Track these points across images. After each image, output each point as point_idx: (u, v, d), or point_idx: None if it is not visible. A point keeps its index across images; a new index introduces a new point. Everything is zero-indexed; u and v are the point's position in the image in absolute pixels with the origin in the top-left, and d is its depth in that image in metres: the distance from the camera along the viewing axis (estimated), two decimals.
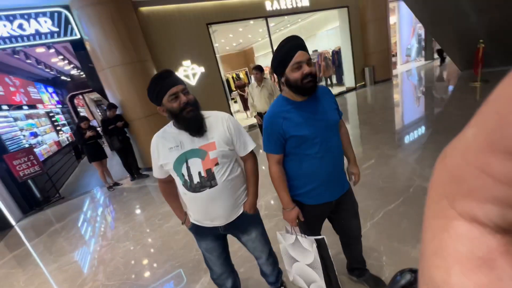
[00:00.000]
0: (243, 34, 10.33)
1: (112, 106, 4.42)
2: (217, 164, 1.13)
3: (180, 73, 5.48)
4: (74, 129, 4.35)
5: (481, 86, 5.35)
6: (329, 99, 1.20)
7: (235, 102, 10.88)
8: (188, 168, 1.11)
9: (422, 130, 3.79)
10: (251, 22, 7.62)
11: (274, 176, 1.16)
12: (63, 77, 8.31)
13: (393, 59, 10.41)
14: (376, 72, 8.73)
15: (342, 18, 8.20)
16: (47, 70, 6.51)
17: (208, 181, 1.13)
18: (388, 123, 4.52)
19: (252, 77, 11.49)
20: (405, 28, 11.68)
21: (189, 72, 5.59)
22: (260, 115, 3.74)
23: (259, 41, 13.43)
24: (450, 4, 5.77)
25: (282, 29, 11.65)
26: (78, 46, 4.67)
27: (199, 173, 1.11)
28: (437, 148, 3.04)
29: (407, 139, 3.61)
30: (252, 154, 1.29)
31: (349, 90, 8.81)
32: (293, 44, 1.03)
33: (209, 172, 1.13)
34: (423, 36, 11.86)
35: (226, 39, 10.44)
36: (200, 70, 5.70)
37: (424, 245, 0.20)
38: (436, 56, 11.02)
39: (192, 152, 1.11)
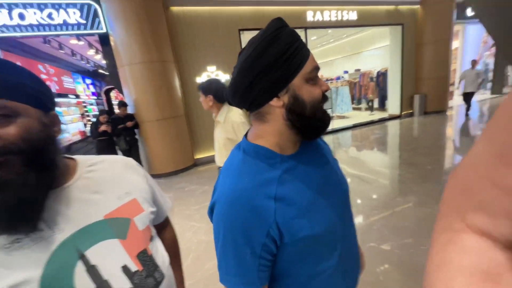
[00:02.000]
0: None
1: (122, 104, 4.18)
2: (151, 238, 0.61)
3: (203, 79, 5.12)
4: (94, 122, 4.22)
5: None
6: (323, 145, 0.65)
7: None
8: (92, 271, 0.49)
9: None
10: None
11: None
12: (101, 71, 8.65)
13: (450, 88, 8.99)
14: (428, 101, 7.50)
15: (394, 37, 7.25)
16: (83, 62, 6.70)
17: (149, 275, 0.56)
18: (440, 170, 3.52)
19: None
20: (470, 55, 10.12)
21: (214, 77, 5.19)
22: None
23: None
24: None
25: (325, 44, 10.97)
26: (105, 41, 4.57)
27: (124, 268, 0.52)
28: None
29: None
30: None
31: (392, 117, 7.70)
32: (297, 36, 0.49)
33: (145, 257, 0.56)
34: (490, 66, 10.17)
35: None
36: (225, 77, 5.28)
37: (429, 258, 0.20)
38: None
39: (93, 231, 0.51)
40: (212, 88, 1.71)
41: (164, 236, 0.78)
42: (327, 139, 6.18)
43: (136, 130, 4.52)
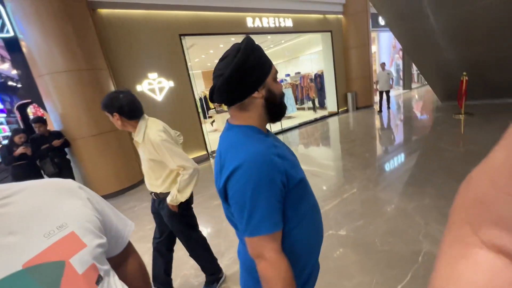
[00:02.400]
0: (224, 50, 9.91)
1: (37, 120, 3.56)
2: (99, 279, 0.47)
3: (144, 86, 4.75)
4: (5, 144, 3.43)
5: (465, 118, 5.15)
6: None
7: (213, 121, 10.22)
8: None
9: (415, 168, 3.32)
10: (232, 38, 7.21)
11: (285, 275, 0.61)
12: (11, 83, 7.20)
13: (374, 85, 10.47)
14: (358, 98, 8.57)
15: (325, 42, 8.06)
16: None
17: None
18: (375, 156, 4.04)
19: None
20: (384, 58, 11.99)
21: (155, 85, 4.88)
22: (156, 195, 1.61)
23: None
24: (433, 36, 5.73)
25: (266, 49, 11.46)
26: (13, 46, 3.82)
27: None
28: (438, 194, 2.52)
29: (400, 179, 3.09)
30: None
31: (331, 114, 8.53)
32: (261, 48, 0.70)
33: None
34: (401, 66, 12.23)
35: (206, 54, 9.95)
36: (168, 84, 5.01)
37: (436, 272, 0.18)
38: None
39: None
40: (115, 105, 1.34)
41: (127, 268, 0.66)
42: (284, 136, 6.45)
43: (66, 150, 3.89)
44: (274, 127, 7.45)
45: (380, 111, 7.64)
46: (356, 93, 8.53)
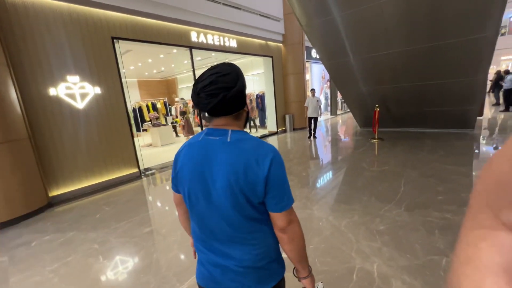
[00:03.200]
0: (166, 62, 9.42)
1: None
2: None
3: (60, 91, 3.95)
4: None
5: (378, 143, 6.14)
6: None
7: (146, 131, 9.31)
8: None
9: (344, 186, 3.67)
10: (174, 50, 6.91)
11: (302, 234, 0.85)
12: None
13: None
14: (295, 120, 9.30)
15: (266, 66, 8.58)
16: None
17: None
18: (310, 175, 4.34)
19: (174, 108, 10.26)
20: (315, 86, 13.57)
21: (76, 90, 4.12)
22: None
23: (184, 73, 12.76)
24: (353, 72, 6.79)
25: (209, 65, 11.41)
26: None
27: None
28: (364, 212, 2.81)
29: (332, 196, 3.35)
30: None
31: (271, 133, 8.94)
32: None
33: None
34: (329, 95, 14.04)
35: (144, 63, 9.22)
36: (93, 91, 4.32)
37: (456, 254, 0.19)
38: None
39: None
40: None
41: None
42: None
43: None
44: None
45: (310, 136, 7.43)
46: (293, 115, 9.24)
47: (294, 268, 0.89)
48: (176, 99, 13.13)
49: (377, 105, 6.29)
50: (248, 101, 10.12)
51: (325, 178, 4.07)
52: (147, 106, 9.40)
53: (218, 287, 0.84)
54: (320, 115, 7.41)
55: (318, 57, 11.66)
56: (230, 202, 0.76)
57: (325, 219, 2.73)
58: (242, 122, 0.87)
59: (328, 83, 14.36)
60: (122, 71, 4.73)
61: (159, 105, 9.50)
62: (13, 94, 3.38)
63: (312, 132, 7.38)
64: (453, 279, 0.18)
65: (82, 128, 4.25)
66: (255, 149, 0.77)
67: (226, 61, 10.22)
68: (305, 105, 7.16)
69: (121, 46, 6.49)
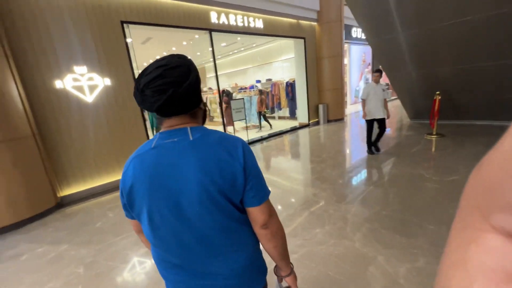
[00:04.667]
0: (190, 49, 8.97)
1: None
2: None
3: (67, 83, 3.64)
4: None
5: (437, 140, 4.90)
6: None
7: None
8: None
9: (400, 207, 2.75)
10: (196, 36, 6.34)
11: (282, 227, 0.79)
12: None
13: (345, 98, 10.34)
14: (330, 110, 8.21)
15: (298, 50, 7.57)
16: None
17: None
18: (349, 184, 3.45)
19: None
20: (354, 71, 12.03)
21: (84, 82, 3.78)
22: None
23: (211, 62, 12.28)
24: (403, 52, 5.49)
25: (236, 52, 10.75)
26: None
27: None
28: (435, 251, 1.93)
29: (383, 222, 2.48)
30: None
31: (302, 126, 8.02)
32: None
33: None
34: (370, 81, 12.39)
35: (168, 52, 8.88)
36: (103, 82, 3.95)
37: (445, 256, 0.19)
38: None
39: None
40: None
41: None
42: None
43: None
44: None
45: (372, 149, 4.52)
46: (327, 105, 8.16)
47: (275, 267, 0.83)
48: (204, 89, 12.84)
49: (437, 92, 4.98)
50: (275, 88, 9.24)
51: (369, 189, 3.17)
52: None
53: None
54: (388, 116, 4.34)
55: (359, 36, 10.17)
56: (207, 208, 0.67)
57: (372, 260, 1.91)
58: (200, 120, 0.79)
59: (370, 67, 12.66)
60: (134, 59, 4.29)
61: None
62: (13, 89, 3.11)
63: (375, 143, 4.49)
64: (442, 280, 0.19)
65: (92, 123, 3.94)
66: (223, 141, 0.71)
67: (254, 45, 9.40)
68: (362, 97, 4.28)
69: (139, 34, 6.12)
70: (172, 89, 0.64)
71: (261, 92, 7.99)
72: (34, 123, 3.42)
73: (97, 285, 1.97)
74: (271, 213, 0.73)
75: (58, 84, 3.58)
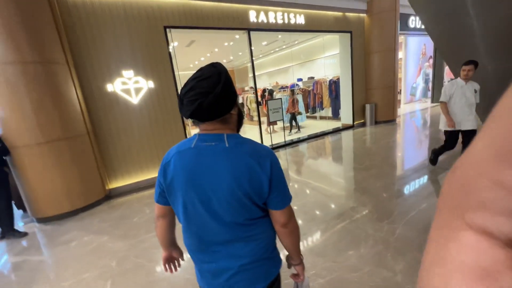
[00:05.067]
0: (232, 50, 9.11)
1: None
2: None
3: (117, 86, 3.99)
4: None
5: None
6: None
7: None
8: None
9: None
10: (237, 36, 6.37)
11: (298, 226, 0.91)
12: None
13: (398, 96, 9.22)
14: (378, 111, 7.40)
15: (343, 45, 7.00)
16: None
17: None
18: (395, 200, 2.98)
19: (242, 98, 10.03)
20: (411, 65, 10.65)
21: (131, 85, 4.10)
22: None
23: (254, 60, 12.32)
24: (474, 45, 4.54)
25: (278, 50, 10.54)
26: None
27: None
28: None
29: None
30: None
31: (345, 127, 7.42)
32: None
33: None
34: (430, 76, 10.83)
35: (212, 53, 9.19)
36: (146, 85, 4.22)
37: (426, 254, 0.20)
38: None
39: None
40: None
41: None
42: (284, 151, 5.49)
43: (5, 158, 3.18)
44: (277, 139, 6.49)
45: (435, 160, 3.64)
46: (376, 104, 7.37)
47: (287, 256, 0.94)
48: (246, 88, 12.99)
49: None
50: (317, 86, 8.75)
51: (421, 208, 2.68)
52: None
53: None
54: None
55: (418, 26, 8.91)
56: (234, 207, 0.77)
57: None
58: (234, 125, 0.85)
59: (431, 61, 11.05)
60: (174, 63, 4.49)
61: None
62: (72, 92, 3.52)
63: (439, 154, 3.60)
64: (423, 278, 0.20)
65: (137, 123, 4.25)
66: (255, 153, 0.78)
67: (296, 42, 9.01)
68: (443, 99, 3.19)
69: (183, 37, 6.42)
70: (199, 100, 0.71)
71: (293, 92, 7.59)
72: (90, 123, 3.84)
73: (123, 282, 2.06)
74: (291, 215, 0.84)
75: (109, 87, 3.95)
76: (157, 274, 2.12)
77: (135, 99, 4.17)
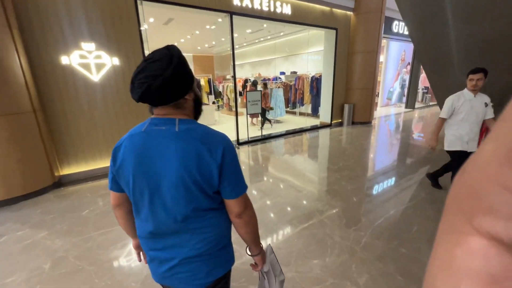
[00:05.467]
0: (215, 34, 8.62)
1: None
2: None
3: (74, 59, 3.48)
4: None
5: None
6: None
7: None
8: None
9: (422, 238, 2.22)
10: (219, 19, 5.94)
11: (256, 216, 0.89)
12: None
13: (375, 99, 9.40)
14: (356, 111, 7.47)
15: (328, 42, 6.88)
16: None
17: None
18: (364, 204, 2.94)
19: (222, 86, 9.67)
20: (390, 70, 10.92)
21: (91, 60, 3.61)
22: None
23: (236, 48, 11.81)
24: (452, 55, 4.64)
25: (262, 41, 10.21)
26: None
27: None
28: None
29: (405, 262, 2.00)
30: None
31: (323, 126, 7.42)
32: None
33: None
34: (407, 82, 11.20)
35: (192, 35, 8.62)
36: (111, 62, 3.75)
37: (432, 259, 0.20)
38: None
39: None
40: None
41: None
42: (261, 145, 5.30)
43: None
44: (256, 132, 6.29)
45: (438, 183, 3.25)
46: (354, 105, 7.42)
47: (246, 247, 0.91)
48: (228, 76, 12.54)
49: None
50: (299, 82, 8.62)
51: (388, 215, 2.65)
52: None
53: (175, 281, 0.84)
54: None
55: (401, 31, 9.07)
56: (182, 194, 0.74)
57: None
58: (189, 111, 0.82)
59: (408, 67, 11.42)
60: (145, 40, 4.03)
61: (202, 82, 8.90)
62: (15, 61, 2.99)
63: (439, 176, 3.26)
64: (429, 284, 0.19)
65: (98, 103, 3.78)
66: (206, 139, 0.75)
67: (281, 34, 8.72)
68: (444, 115, 2.67)
69: (160, 13, 5.88)
70: (147, 83, 0.68)
71: (265, 86, 7.31)
72: (37, 99, 3.32)
73: None
74: (246, 205, 0.81)
75: (64, 60, 3.43)
76: (96, 281, 1.84)
77: (95, 76, 3.69)
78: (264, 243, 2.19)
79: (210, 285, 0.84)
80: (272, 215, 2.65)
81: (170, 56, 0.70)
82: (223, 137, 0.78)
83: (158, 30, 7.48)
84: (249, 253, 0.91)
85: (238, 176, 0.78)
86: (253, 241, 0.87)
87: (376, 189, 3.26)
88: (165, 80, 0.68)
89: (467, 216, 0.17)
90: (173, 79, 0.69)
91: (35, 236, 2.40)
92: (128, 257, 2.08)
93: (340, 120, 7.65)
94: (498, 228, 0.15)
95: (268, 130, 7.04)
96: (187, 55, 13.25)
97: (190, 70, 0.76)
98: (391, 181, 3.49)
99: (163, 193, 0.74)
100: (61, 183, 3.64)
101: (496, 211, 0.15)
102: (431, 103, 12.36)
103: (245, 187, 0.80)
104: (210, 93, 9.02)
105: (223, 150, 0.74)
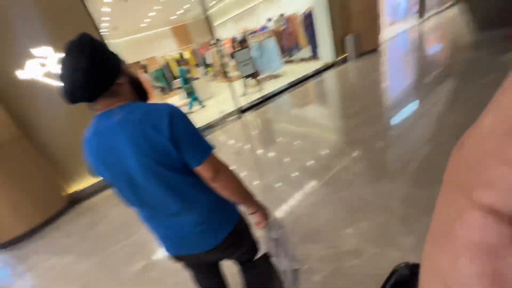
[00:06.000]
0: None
1: None
2: None
3: (34, 71, 3.10)
4: None
5: None
6: None
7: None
8: None
9: None
10: None
11: (235, 177, 0.84)
12: None
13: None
14: (360, 41, 6.55)
15: None
16: None
17: None
18: (394, 151, 2.58)
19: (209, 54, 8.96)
20: None
21: (51, 67, 3.19)
22: None
23: (213, 8, 10.50)
24: None
25: None
26: None
27: None
28: None
29: None
30: None
31: (326, 67, 6.67)
32: None
33: None
34: None
35: (157, 4, 7.65)
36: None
37: (431, 233, 0.20)
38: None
39: None
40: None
41: None
42: (258, 111, 4.89)
43: None
44: (255, 95, 5.80)
45: None
46: (359, 34, 6.46)
47: None
48: (212, 41, 11.49)
49: None
50: (290, 23, 7.62)
51: (424, 152, 2.29)
52: (177, 60, 8.17)
53: (186, 249, 0.87)
54: None
55: None
56: (152, 178, 0.72)
57: None
58: (129, 95, 0.76)
59: None
60: (95, 23, 3.47)
61: (187, 55, 8.16)
62: None
63: None
64: (428, 257, 0.19)
65: (79, 110, 3.43)
66: (146, 117, 0.70)
67: None
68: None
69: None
70: (70, 82, 0.66)
71: (244, 40, 6.38)
72: (14, 124, 3.07)
73: None
74: (217, 168, 0.76)
75: (22, 75, 3.06)
76: None
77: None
78: (290, 215, 1.98)
79: (222, 242, 0.86)
80: (290, 182, 2.40)
81: (81, 46, 0.66)
82: (165, 108, 0.71)
83: (121, 8, 6.64)
84: (247, 212, 0.92)
85: (196, 141, 0.73)
86: (242, 200, 0.85)
87: (401, 126, 2.84)
88: (83, 72, 0.64)
89: (465, 190, 0.17)
90: (93, 69, 0.65)
91: (62, 262, 2.37)
92: (149, 271, 1.98)
93: (345, 56, 6.82)
94: (496, 201, 0.15)
95: (268, 88, 6.49)
96: (165, 29, 12.15)
97: (111, 53, 0.72)
98: (416, 113, 3.02)
99: (140, 184, 0.74)
100: (74, 200, 3.59)
101: (495, 185, 0.15)
102: (446, 6, 10.62)
103: (207, 149, 0.75)
104: (197, 65, 8.33)
105: (170, 121, 0.69)
